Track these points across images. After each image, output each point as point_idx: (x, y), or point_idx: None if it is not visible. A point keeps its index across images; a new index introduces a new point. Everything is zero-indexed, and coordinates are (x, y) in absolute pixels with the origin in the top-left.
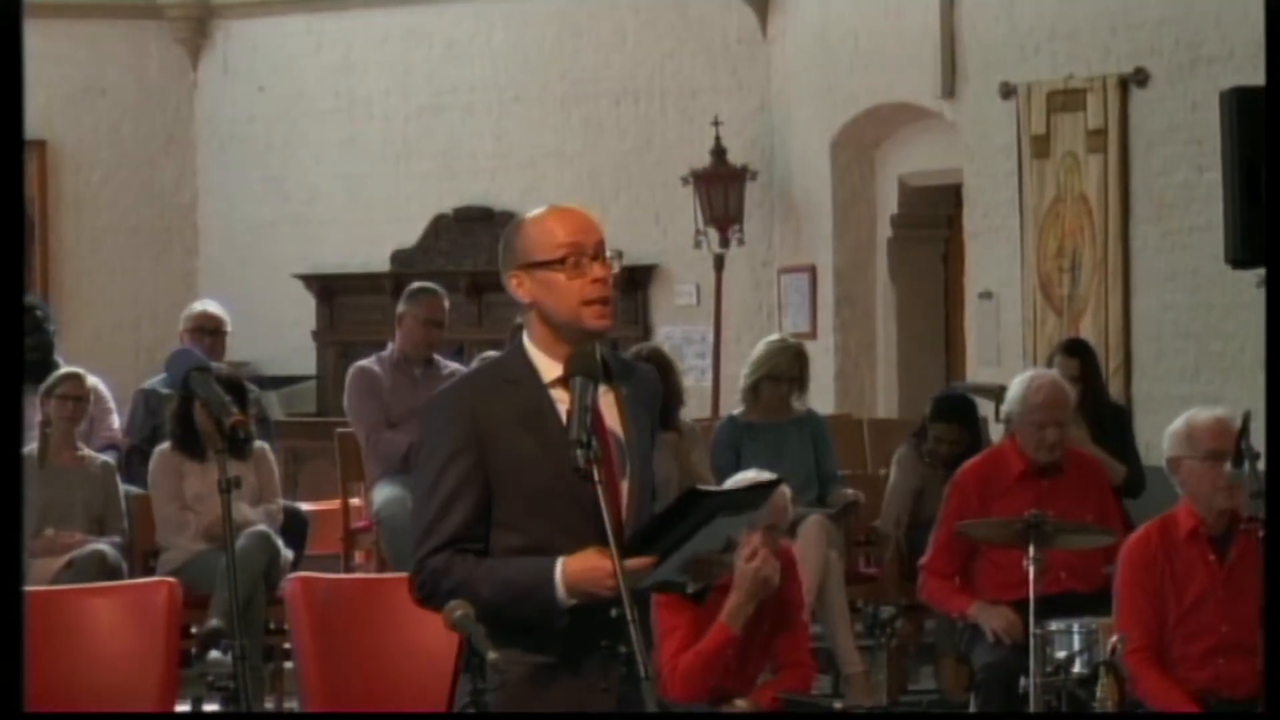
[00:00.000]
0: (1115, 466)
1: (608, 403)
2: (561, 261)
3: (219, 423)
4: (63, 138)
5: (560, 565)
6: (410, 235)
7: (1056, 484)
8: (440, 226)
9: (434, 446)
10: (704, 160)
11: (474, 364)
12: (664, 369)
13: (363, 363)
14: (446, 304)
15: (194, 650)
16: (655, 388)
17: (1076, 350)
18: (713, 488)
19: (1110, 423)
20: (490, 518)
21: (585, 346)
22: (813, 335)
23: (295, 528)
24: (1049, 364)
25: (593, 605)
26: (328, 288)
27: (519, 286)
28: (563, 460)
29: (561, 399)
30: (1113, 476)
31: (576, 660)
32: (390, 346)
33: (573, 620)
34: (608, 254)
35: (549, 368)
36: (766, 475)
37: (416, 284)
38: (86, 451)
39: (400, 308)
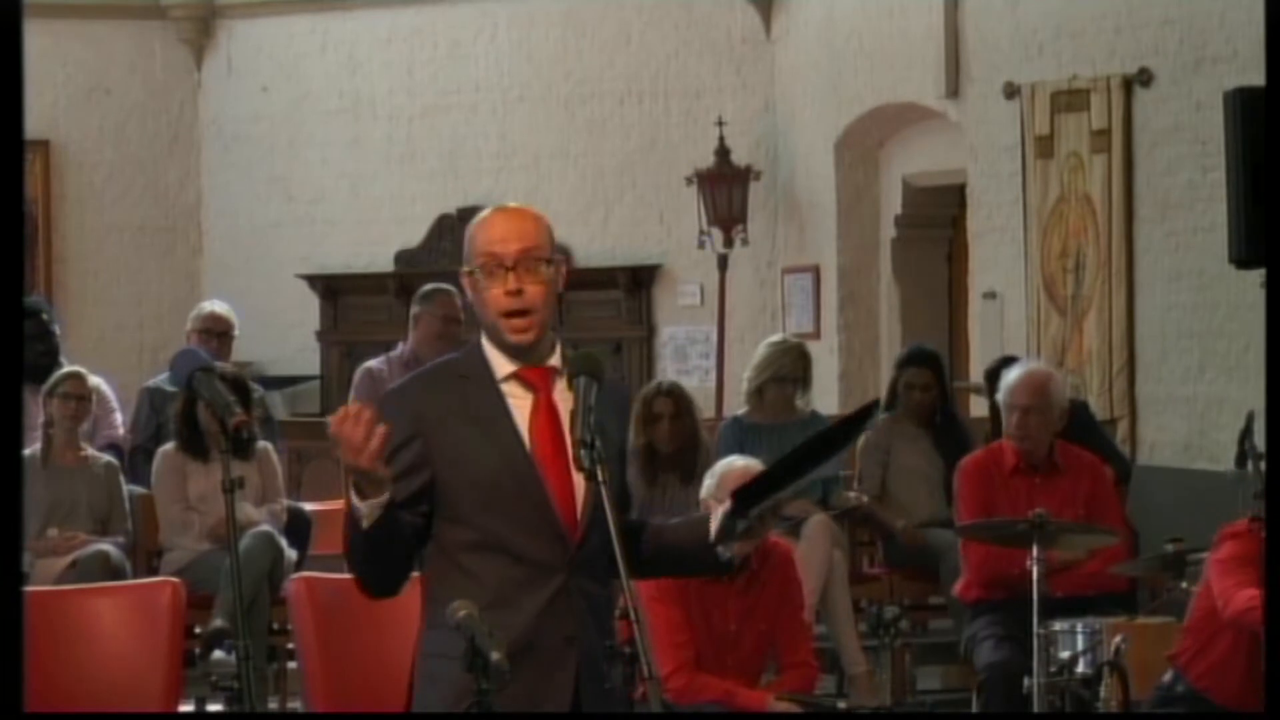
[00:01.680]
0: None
1: (568, 403)
2: (485, 271)
3: (223, 423)
4: (67, 137)
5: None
6: (414, 235)
7: (1049, 480)
8: (444, 226)
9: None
10: (708, 160)
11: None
12: (684, 406)
13: (371, 364)
14: (460, 303)
15: (198, 650)
16: (624, 401)
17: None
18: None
19: (1074, 423)
20: (431, 510)
21: (588, 348)
22: (816, 335)
23: (299, 528)
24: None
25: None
26: (332, 288)
27: (467, 286)
28: (507, 454)
29: (513, 394)
30: None
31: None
32: (401, 347)
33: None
34: (538, 262)
35: (502, 365)
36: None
37: (430, 285)
38: (90, 451)
39: (415, 309)
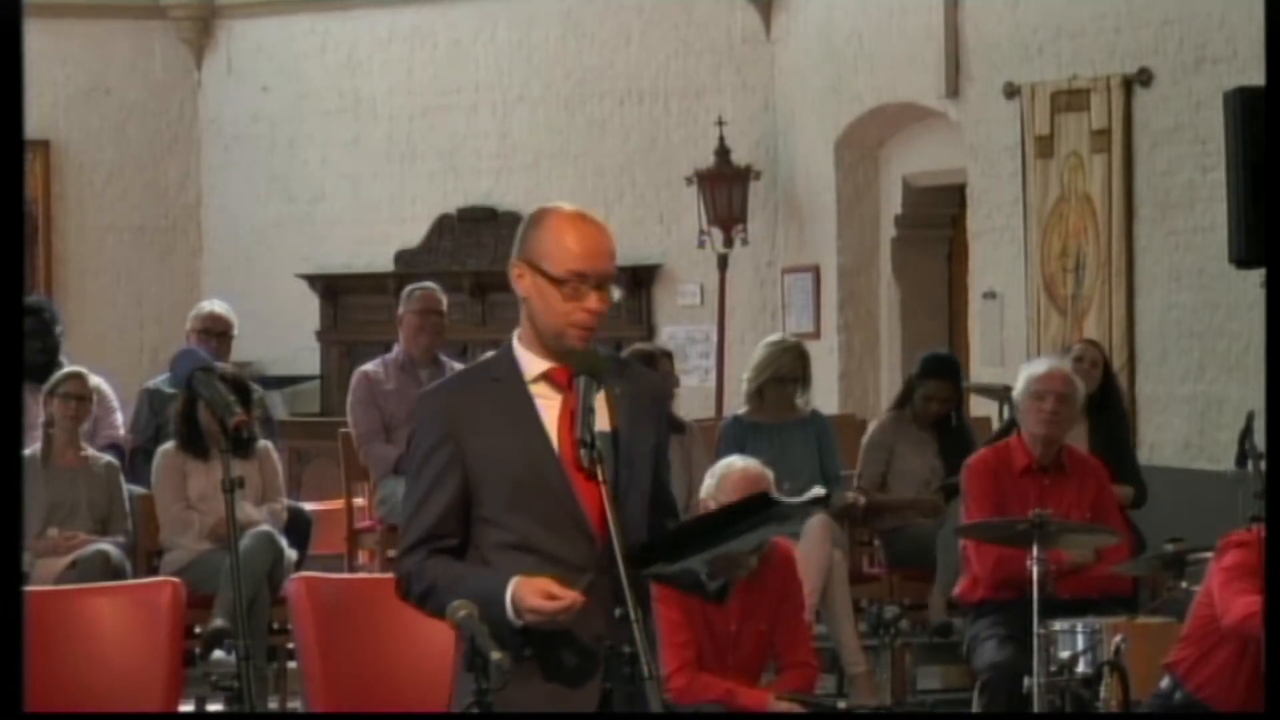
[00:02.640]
0: (1121, 490)
1: (598, 402)
2: (563, 282)
3: (223, 423)
4: (67, 137)
5: (510, 587)
6: (414, 235)
7: (1058, 481)
8: (444, 226)
9: (417, 442)
10: (708, 160)
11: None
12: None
13: (367, 367)
14: (443, 297)
15: (198, 650)
16: (657, 391)
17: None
18: (782, 498)
19: (1110, 426)
20: (469, 513)
21: (588, 348)
22: (816, 335)
23: (299, 528)
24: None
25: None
26: (332, 288)
27: (519, 278)
28: (538, 456)
29: (542, 395)
30: (1121, 498)
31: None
32: (396, 349)
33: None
34: (612, 284)
35: (532, 365)
36: (817, 490)
37: (410, 285)
38: (90, 451)
39: (399, 311)
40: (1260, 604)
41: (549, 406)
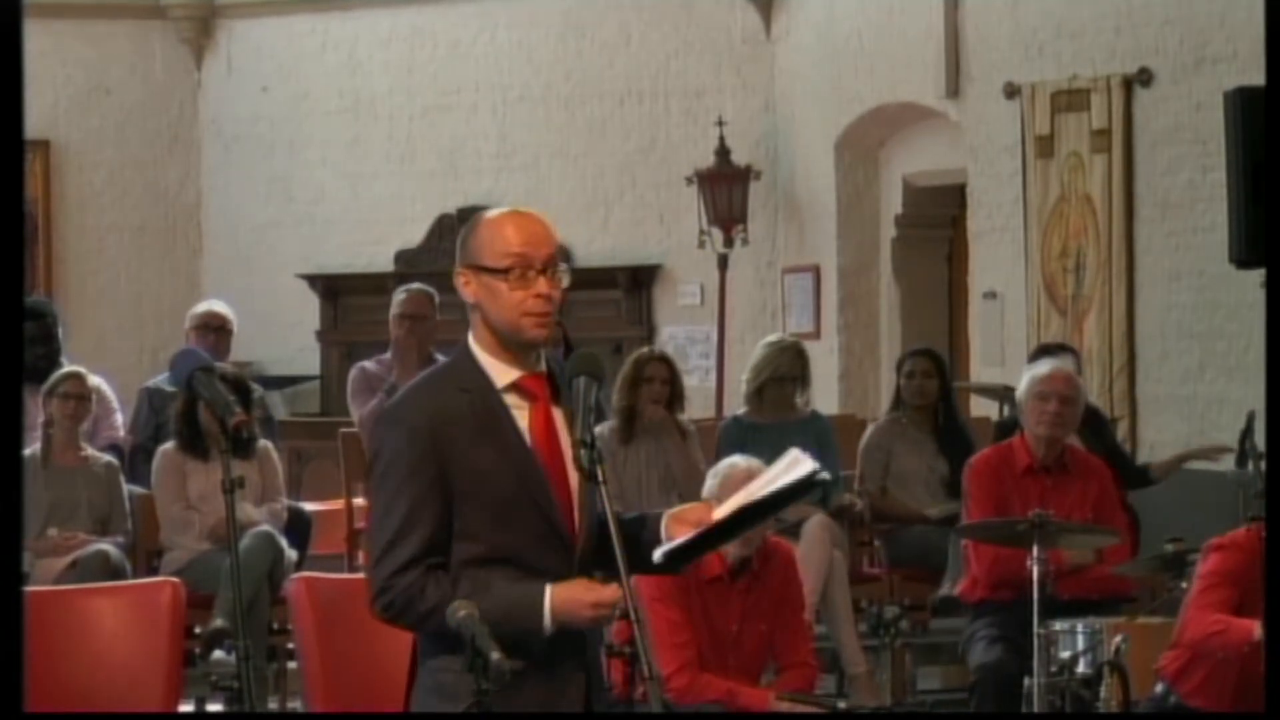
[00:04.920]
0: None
1: (557, 410)
2: (506, 271)
3: (223, 423)
4: (67, 137)
5: (549, 595)
6: (414, 235)
7: (1061, 481)
8: (444, 226)
9: (391, 459)
10: (708, 160)
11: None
12: (674, 372)
13: (364, 363)
14: (432, 297)
15: (198, 650)
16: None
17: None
18: (825, 476)
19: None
20: (451, 529)
21: (587, 350)
22: (816, 335)
23: (299, 528)
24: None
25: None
26: (332, 288)
27: (465, 285)
28: (521, 468)
29: (516, 405)
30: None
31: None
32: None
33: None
34: (560, 267)
35: (501, 374)
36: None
37: (401, 287)
38: (90, 451)
39: (390, 314)
40: (1223, 622)
41: (521, 417)
